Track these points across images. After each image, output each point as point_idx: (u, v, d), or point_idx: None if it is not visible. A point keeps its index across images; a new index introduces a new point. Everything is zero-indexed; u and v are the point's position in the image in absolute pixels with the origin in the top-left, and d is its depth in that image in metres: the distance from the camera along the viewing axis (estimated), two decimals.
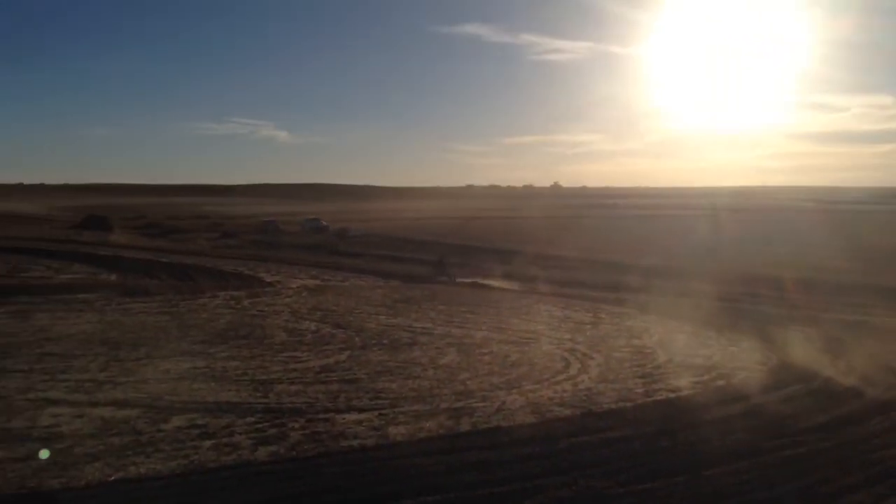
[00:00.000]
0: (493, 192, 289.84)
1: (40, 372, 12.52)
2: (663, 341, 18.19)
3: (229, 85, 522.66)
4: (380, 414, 11.09)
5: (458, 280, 35.63)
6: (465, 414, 11.33)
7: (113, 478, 8.15)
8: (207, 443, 9.36)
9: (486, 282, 36.06)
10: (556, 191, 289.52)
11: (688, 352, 16.94)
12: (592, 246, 56.66)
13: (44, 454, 8.42)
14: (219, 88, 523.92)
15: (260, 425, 10.22)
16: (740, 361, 15.98)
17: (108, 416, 10.16)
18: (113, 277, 28.85)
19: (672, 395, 13.07)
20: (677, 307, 23.23)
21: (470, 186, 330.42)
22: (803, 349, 17.11)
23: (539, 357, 15.96)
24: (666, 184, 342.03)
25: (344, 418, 10.76)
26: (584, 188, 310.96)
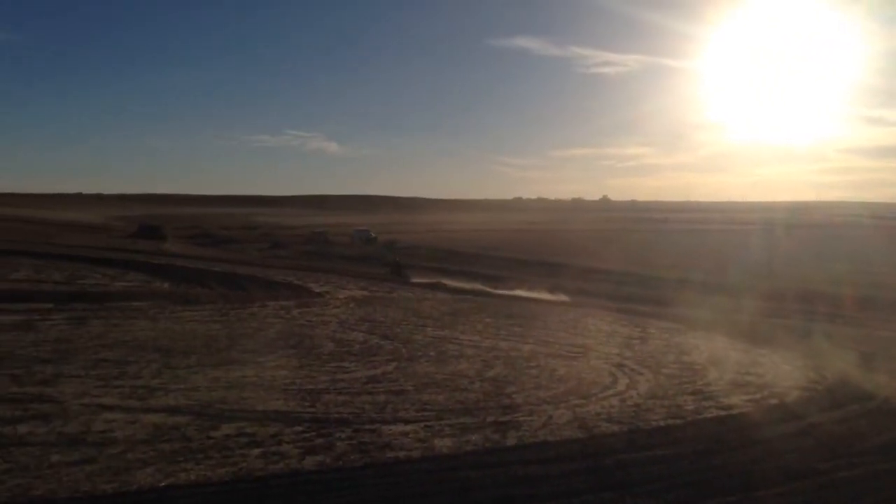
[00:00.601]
0: (542, 204, 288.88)
1: (95, 377, 12.79)
2: (714, 358, 17.87)
3: (283, 97, 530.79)
4: (426, 426, 11.08)
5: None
6: (512, 427, 11.27)
7: (163, 483, 8.28)
8: (255, 451, 9.46)
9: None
10: (604, 204, 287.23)
11: (740, 369, 16.61)
12: (641, 260, 56.05)
13: None
14: (272, 101, 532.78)
15: (307, 435, 10.29)
16: (794, 380, 15.61)
17: (159, 422, 10.32)
18: (166, 286, 29.41)
19: (723, 413, 12.82)
20: (729, 323, 22.82)
21: (518, 199, 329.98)
22: (860, 368, 16.66)
23: (586, 371, 15.80)
24: (717, 198, 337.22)
25: (390, 429, 10.78)
26: (633, 202, 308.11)
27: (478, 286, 42.49)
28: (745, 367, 16.94)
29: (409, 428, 10.92)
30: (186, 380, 13.07)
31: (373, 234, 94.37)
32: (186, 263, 41.36)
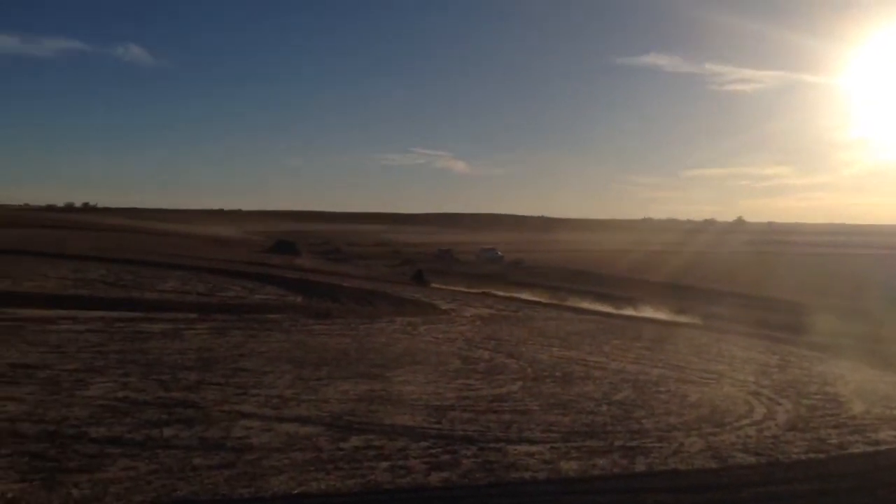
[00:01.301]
0: (672, 225, 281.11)
1: (234, 386, 13.38)
2: (861, 390, 16.81)
3: (410, 117, 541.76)
4: (552, 447, 10.95)
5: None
6: (641, 453, 10.96)
7: (296, 491, 8.53)
8: (383, 464, 9.61)
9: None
10: (739, 226, 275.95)
11: (890, 403, 15.54)
12: (779, 284, 53.57)
13: None
14: (400, 120, 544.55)
15: (433, 450, 10.37)
16: None
17: (292, 431, 10.67)
18: (299, 299, 30.49)
19: (871, 449, 12.01)
20: (874, 353, 21.44)
21: (647, 219, 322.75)
22: None
23: (720, 399, 15.19)
24: (863, 221, 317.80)
25: (516, 449, 10.71)
26: (770, 223, 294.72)
27: (605, 307, 41.79)
28: (894, 400, 15.84)
29: (534, 448, 10.82)
30: (318, 391, 13.47)
31: (499, 253, 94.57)
32: (318, 278, 42.77)
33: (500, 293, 47.77)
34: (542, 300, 44.49)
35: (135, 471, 8.42)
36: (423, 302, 33.07)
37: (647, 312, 38.84)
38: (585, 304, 43.00)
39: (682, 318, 36.40)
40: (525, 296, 47.75)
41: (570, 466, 10.18)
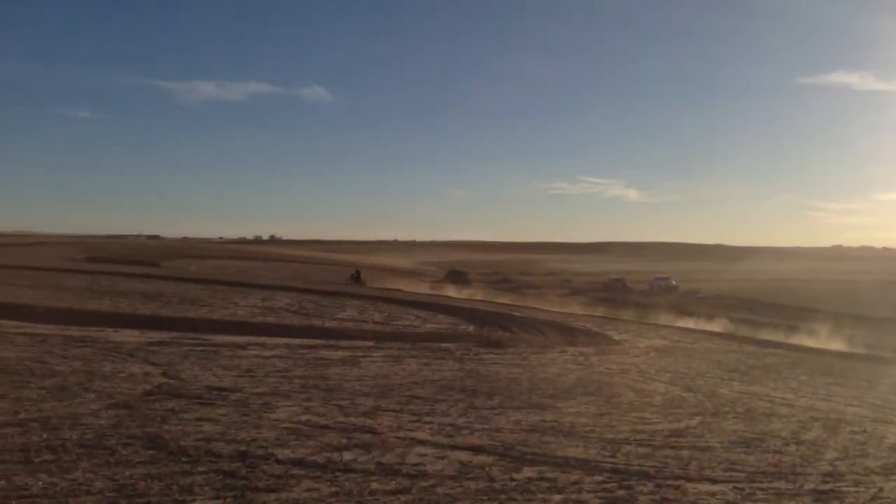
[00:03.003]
0: (866, 253, 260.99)
1: (409, 413, 13.69)
2: None
3: (580, 145, 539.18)
4: (735, 487, 10.36)
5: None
6: (834, 498, 10.15)
7: None
8: (556, 497, 9.47)
9: (760, 336, 33.13)
10: None
11: None
12: None
13: None
14: (569, 149, 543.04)
15: (608, 485, 10.10)
16: None
17: (465, 459, 10.75)
18: (470, 328, 30.87)
19: None
20: None
21: (837, 247, 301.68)
22: None
23: None
24: None
25: (696, 488, 10.23)
26: None
27: (791, 339, 39.35)
28: None
29: (716, 488, 10.29)
30: (490, 420, 13.52)
31: (673, 282, 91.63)
32: (489, 308, 43.18)
33: (676, 324, 46.16)
34: (721, 331, 42.55)
35: (317, 492, 8.77)
36: (595, 332, 32.53)
37: (838, 346, 36.16)
38: (769, 336, 40.64)
39: (878, 353, 33.59)
40: (702, 326, 45.90)
41: None
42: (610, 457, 11.60)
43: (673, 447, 12.52)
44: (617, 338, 30.47)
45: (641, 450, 12.18)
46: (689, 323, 47.33)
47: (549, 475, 10.37)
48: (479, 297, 67.08)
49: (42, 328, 22.37)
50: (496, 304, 51.61)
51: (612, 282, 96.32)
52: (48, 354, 17.56)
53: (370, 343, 23.75)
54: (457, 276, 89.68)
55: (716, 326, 45.88)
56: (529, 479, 10.15)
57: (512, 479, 10.05)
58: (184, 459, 9.50)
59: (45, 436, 10.26)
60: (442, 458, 10.71)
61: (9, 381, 13.98)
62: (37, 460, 9.06)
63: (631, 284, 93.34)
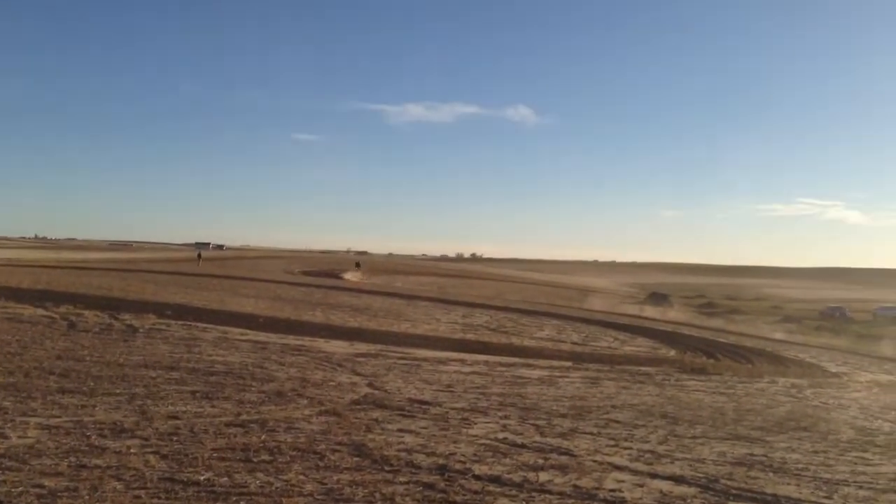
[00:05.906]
0: None
1: (606, 437, 13.44)
2: None
3: (798, 165, 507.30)
4: None
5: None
6: None
7: None
8: None
9: None
10: None
11: None
12: None
13: None
14: (786, 169, 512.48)
15: None
16: None
17: (665, 489, 10.39)
18: (672, 353, 29.85)
19: None
20: None
21: None
22: None
23: None
24: None
25: None
26: None
27: None
28: None
29: None
30: (692, 450, 12.98)
31: None
32: (692, 332, 41.54)
33: None
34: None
35: None
36: (809, 363, 30.34)
37: None
38: None
39: None
40: None
41: None
42: (825, 497, 10.76)
43: None
44: (834, 370, 28.25)
45: (862, 493, 11.19)
46: None
47: None
48: (681, 320, 64.65)
49: (263, 336, 24.24)
50: (699, 328, 49.52)
51: (830, 310, 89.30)
52: (267, 361, 19.00)
53: (568, 363, 23.59)
54: (658, 299, 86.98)
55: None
56: None
57: None
58: (386, 468, 9.91)
59: (263, 437, 11.10)
60: (641, 485, 10.42)
61: (233, 384, 15.27)
62: (255, 460, 9.81)
63: (851, 314, 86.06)
